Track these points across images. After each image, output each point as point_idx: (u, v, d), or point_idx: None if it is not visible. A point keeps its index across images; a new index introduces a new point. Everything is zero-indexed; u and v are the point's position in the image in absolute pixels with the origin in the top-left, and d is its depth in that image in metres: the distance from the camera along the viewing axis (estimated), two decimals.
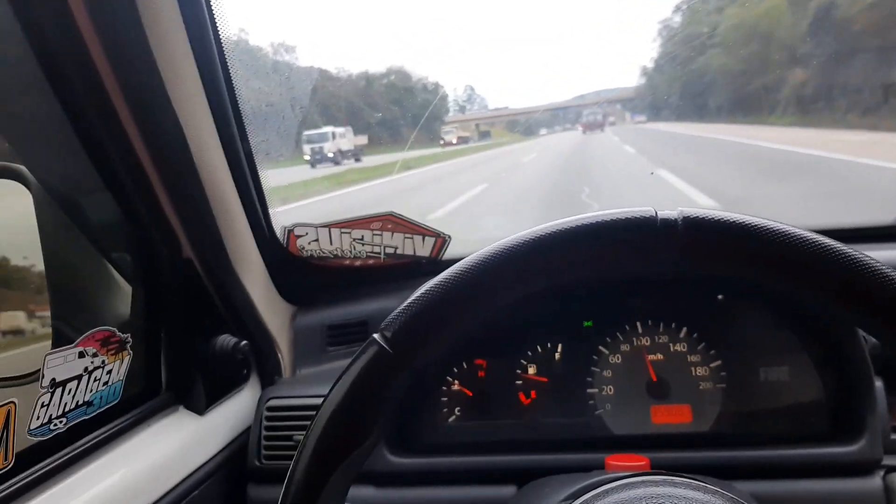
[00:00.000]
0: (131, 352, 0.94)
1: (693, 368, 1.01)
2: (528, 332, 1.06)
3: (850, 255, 0.48)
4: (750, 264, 0.51)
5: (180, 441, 0.97)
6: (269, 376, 1.17)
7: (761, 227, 0.50)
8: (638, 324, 1.04)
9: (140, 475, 0.88)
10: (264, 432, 1.05)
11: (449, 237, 1.22)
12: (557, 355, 1.05)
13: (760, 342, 1.00)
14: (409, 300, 0.53)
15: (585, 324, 1.06)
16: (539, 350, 1.06)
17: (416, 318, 0.53)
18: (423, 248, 1.22)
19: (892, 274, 0.48)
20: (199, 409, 1.02)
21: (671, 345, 1.02)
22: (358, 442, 0.53)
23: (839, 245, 0.49)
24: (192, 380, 1.02)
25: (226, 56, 0.93)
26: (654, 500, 0.54)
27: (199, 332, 1.04)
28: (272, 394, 1.09)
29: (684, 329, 1.02)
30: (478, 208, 6.79)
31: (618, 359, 1.03)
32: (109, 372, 0.92)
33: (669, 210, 0.52)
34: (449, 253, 1.22)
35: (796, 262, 0.49)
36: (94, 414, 0.87)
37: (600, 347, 1.04)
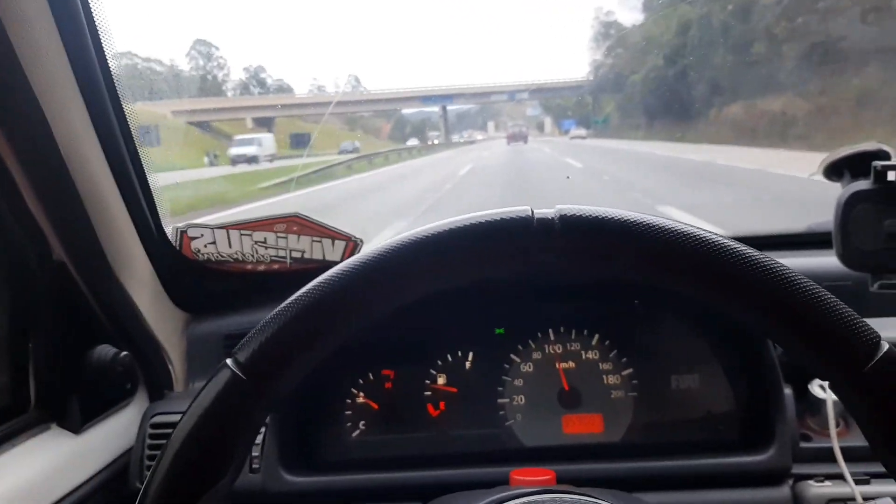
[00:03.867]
0: None
1: (605, 377, 0.99)
2: (438, 340, 1.02)
3: (729, 248, 0.45)
4: (628, 261, 0.47)
5: (52, 462, 0.88)
6: (159, 390, 1.07)
7: (638, 223, 0.46)
8: (550, 331, 1.00)
9: (2, 499, 0.79)
10: (147, 451, 0.96)
11: (361, 241, 1.16)
12: (468, 364, 1.01)
13: (672, 350, 0.99)
14: (266, 318, 0.47)
15: (497, 331, 1.02)
16: (449, 359, 1.01)
17: (275, 338, 0.46)
18: (333, 253, 1.16)
19: (772, 264, 0.45)
20: (75, 427, 0.93)
21: (583, 352, 0.99)
22: (211, 482, 0.46)
23: (716, 237, 0.46)
24: (66, 395, 0.93)
25: (98, 32, 0.84)
26: None
27: (75, 343, 0.95)
28: (158, 409, 1.00)
29: (596, 336, 1.00)
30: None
31: (529, 367, 1.00)
32: None
33: (547, 209, 0.48)
34: None
35: (675, 258, 0.46)
36: None
37: (512, 356, 1.00)
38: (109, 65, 0.87)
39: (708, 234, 0.46)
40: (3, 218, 0.85)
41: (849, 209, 0.89)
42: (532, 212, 0.48)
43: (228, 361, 0.46)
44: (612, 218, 0.47)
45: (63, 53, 0.81)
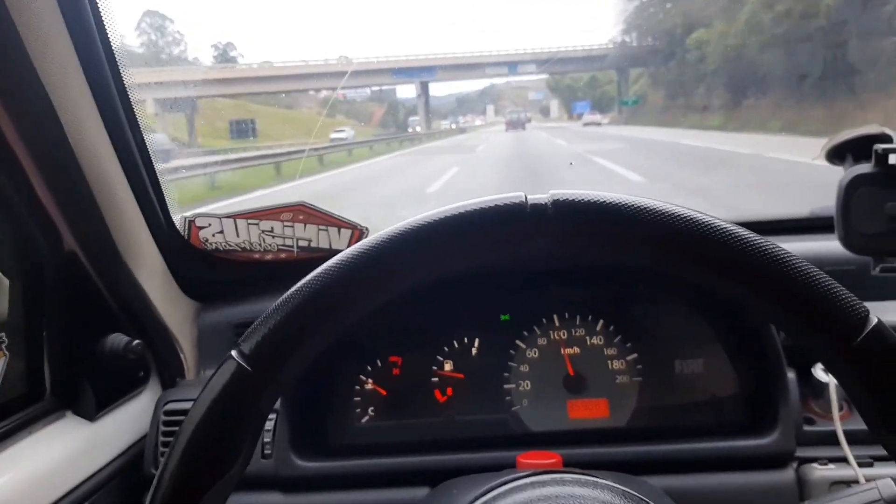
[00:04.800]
0: (6, 353, 0.87)
1: (610, 362, 1.00)
2: (445, 326, 1.03)
3: (719, 228, 0.46)
4: (623, 245, 0.48)
5: (67, 449, 0.90)
6: (171, 378, 1.09)
7: (632, 206, 0.47)
8: (555, 317, 1.01)
9: (20, 485, 0.80)
10: (161, 438, 0.98)
11: (366, 229, 1.17)
12: (474, 350, 1.02)
13: (676, 334, 1.00)
14: (269, 309, 0.47)
15: (503, 317, 1.03)
16: (456, 345, 1.02)
17: (278, 329, 0.47)
18: (339, 241, 1.17)
19: (761, 242, 0.45)
20: (89, 414, 0.94)
21: (588, 338, 1.00)
22: (221, 473, 0.47)
23: (709, 218, 0.47)
24: (81, 383, 0.94)
25: (104, 22, 0.85)
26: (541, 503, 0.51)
27: (88, 332, 0.96)
28: (171, 397, 1.02)
29: (601, 322, 1.00)
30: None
31: (535, 353, 1.01)
32: None
33: (541, 194, 0.49)
34: None
35: (669, 240, 0.47)
36: None
37: (517, 341, 1.01)
38: (115, 53, 0.88)
39: (701, 216, 0.47)
40: (15, 209, 0.86)
41: (850, 193, 0.89)
42: (526, 197, 0.49)
43: (233, 353, 0.47)
44: (606, 202, 0.48)
45: (70, 43, 0.81)
